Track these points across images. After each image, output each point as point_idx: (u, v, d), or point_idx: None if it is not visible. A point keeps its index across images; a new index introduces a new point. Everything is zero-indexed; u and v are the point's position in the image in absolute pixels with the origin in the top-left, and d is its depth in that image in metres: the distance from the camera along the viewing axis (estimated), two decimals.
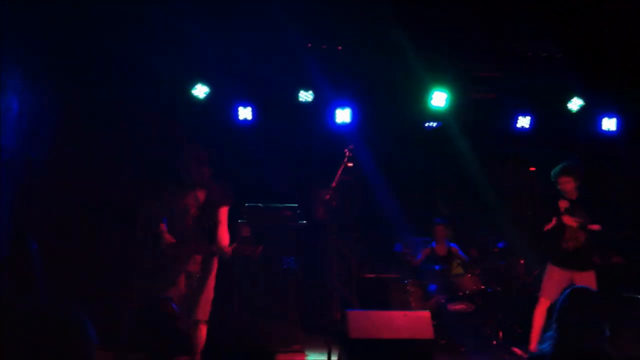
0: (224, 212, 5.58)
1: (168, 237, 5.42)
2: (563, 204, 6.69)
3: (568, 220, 6.64)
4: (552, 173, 6.86)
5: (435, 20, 7.88)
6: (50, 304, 2.61)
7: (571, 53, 8.24)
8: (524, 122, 9.00)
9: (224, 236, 5.51)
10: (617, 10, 7.45)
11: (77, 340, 2.35)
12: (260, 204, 7.54)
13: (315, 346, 7.10)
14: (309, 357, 7.03)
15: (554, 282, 6.65)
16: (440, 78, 8.54)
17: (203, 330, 5.40)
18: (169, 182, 5.66)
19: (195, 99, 8.34)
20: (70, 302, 2.58)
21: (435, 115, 8.91)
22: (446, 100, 8.58)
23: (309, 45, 8.47)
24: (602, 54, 8.18)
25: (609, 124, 9.10)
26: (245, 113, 8.59)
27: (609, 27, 7.71)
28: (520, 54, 8.47)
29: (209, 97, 8.41)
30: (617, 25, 7.66)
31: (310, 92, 8.54)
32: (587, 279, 6.48)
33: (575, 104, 8.89)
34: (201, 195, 5.58)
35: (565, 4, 7.50)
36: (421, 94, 8.62)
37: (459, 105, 8.64)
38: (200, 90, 8.37)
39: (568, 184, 6.72)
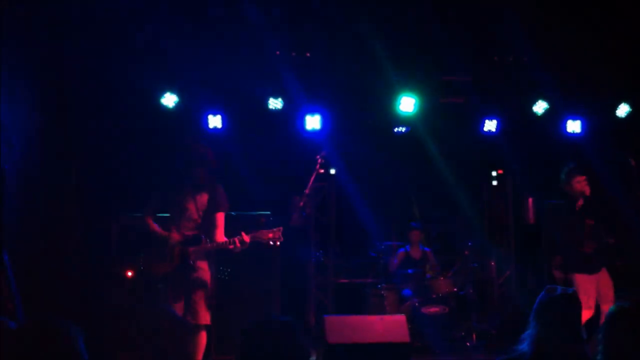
0: (221, 217, 5.58)
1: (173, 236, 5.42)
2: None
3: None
4: (562, 176, 6.90)
5: (403, 26, 7.96)
6: (33, 320, 2.58)
7: (537, 56, 8.39)
8: (491, 125, 9.13)
9: (221, 237, 5.50)
10: (581, 15, 7.63)
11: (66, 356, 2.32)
12: (232, 212, 7.51)
13: None
14: None
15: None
16: (409, 83, 8.61)
17: (204, 336, 5.47)
18: (165, 186, 5.70)
19: (164, 108, 8.29)
20: (56, 317, 2.55)
21: (404, 120, 8.98)
22: (414, 105, 8.66)
23: (277, 52, 8.48)
24: (567, 56, 8.36)
25: (574, 126, 9.28)
26: (215, 121, 8.56)
27: (574, 31, 7.89)
28: (487, 58, 8.59)
29: (179, 106, 8.37)
30: (581, 29, 7.83)
31: (280, 99, 8.55)
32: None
33: (540, 106, 9.05)
34: (203, 198, 5.56)
35: (531, 8, 7.64)
36: (390, 100, 8.69)
37: (427, 110, 8.73)
38: (170, 99, 8.32)
39: (580, 184, 6.75)
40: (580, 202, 6.75)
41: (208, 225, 5.54)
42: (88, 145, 7.75)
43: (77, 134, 7.64)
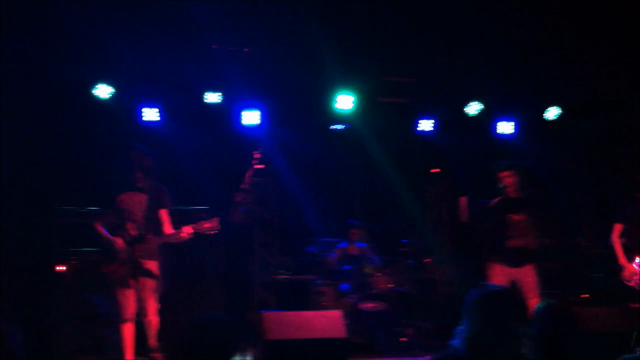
0: (165, 213, 5.97)
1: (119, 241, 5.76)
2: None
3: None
4: (494, 169, 6.97)
5: (344, 24, 7.99)
6: None
7: (474, 58, 8.56)
8: (428, 125, 9.29)
9: (169, 230, 5.88)
10: (516, 18, 7.82)
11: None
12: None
13: None
14: None
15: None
16: (348, 81, 8.66)
17: (154, 329, 5.79)
18: (114, 185, 6.00)
19: (98, 99, 8.09)
20: None
21: (343, 118, 9.03)
22: (353, 103, 8.71)
23: (215, 46, 8.39)
24: (501, 59, 8.56)
25: (505, 127, 9.53)
26: (150, 114, 8.41)
27: (509, 35, 8.08)
28: (426, 59, 8.71)
29: (113, 97, 8.17)
30: (516, 32, 8.03)
31: (219, 93, 8.46)
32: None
33: (474, 107, 9.25)
34: (142, 199, 5.91)
35: (468, 12, 7.78)
36: (329, 97, 8.72)
37: (366, 108, 8.80)
38: (103, 90, 8.12)
39: (508, 178, 6.80)
40: (506, 196, 6.80)
41: (154, 223, 5.89)
42: (19, 137, 7.49)
43: (6, 126, 7.36)
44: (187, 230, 5.68)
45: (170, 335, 5.89)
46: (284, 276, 8.40)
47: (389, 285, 7.95)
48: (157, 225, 5.91)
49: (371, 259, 8.46)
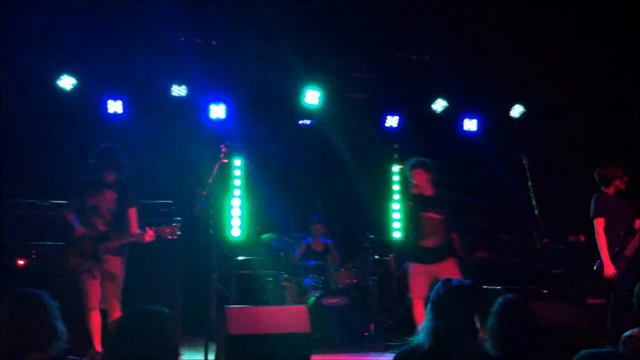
0: (133, 212, 6.10)
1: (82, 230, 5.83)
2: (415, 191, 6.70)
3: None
4: (405, 166, 6.92)
5: (311, 20, 7.99)
6: None
7: (439, 56, 8.63)
8: (392, 121, 9.34)
9: (135, 230, 6.04)
10: (481, 16, 7.92)
11: None
12: None
13: (192, 345, 6.97)
14: (183, 357, 6.89)
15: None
16: (316, 77, 8.67)
17: (116, 315, 5.90)
18: (81, 181, 6.05)
19: (61, 91, 7.95)
20: None
21: (309, 113, 9.03)
22: (319, 98, 8.72)
23: (182, 39, 8.31)
24: (466, 57, 8.65)
25: (470, 124, 9.64)
26: (115, 106, 8.31)
27: (475, 33, 8.17)
28: (392, 55, 8.76)
29: (77, 89, 8.05)
30: (479, 29, 8.12)
31: (184, 86, 8.39)
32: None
33: (439, 104, 9.33)
34: (111, 196, 6.01)
35: (435, 9, 7.86)
36: (296, 92, 8.71)
37: (333, 104, 8.81)
38: (67, 82, 8.00)
39: (418, 175, 6.72)
40: (420, 194, 6.71)
41: (122, 221, 6.03)
42: None
43: None
44: (150, 234, 5.91)
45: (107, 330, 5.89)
46: (245, 271, 8.36)
47: (351, 281, 7.99)
48: (124, 223, 6.03)
49: (334, 254, 8.50)
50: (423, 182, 6.73)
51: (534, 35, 8.26)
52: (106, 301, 5.92)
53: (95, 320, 5.87)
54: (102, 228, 5.96)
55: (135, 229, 6.04)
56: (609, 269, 6.60)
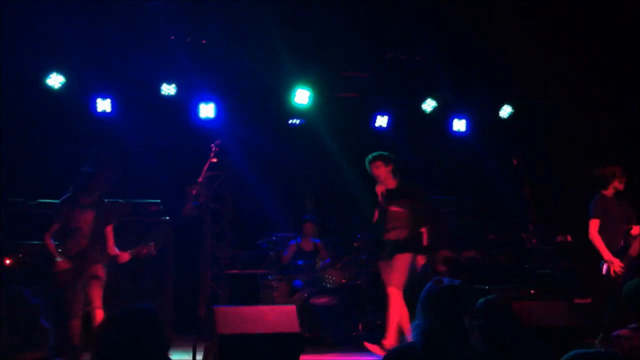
0: (110, 230, 6.13)
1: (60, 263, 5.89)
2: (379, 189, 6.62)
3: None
4: (366, 164, 6.76)
5: (302, 20, 7.99)
6: None
7: (429, 56, 8.66)
8: (382, 121, 9.36)
9: (113, 250, 6.10)
10: (471, 18, 7.94)
11: None
12: (120, 200, 7.29)
13: (180, 345, 6.95)
14: (172, 356, 6.87)
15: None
16: (305, 76, 8.67)
17: (100, 317, 5.93)
18: (65, 202, 6.04)
19: (50, 89, 7.91)
20: None
21: (299, 113, 9.03)
22: (309, 98, 8.73)
23: (172, 37, 8.29)
24: (456, 57, 8.67)
25: (459, 124, 9.67)
26: (104, 105, 8.27)
27: (464, 33, 8.20)
28: (382, 55, 8.78)
29: (65, 87, 8.01)
30: (470, 29, 8.15)
31: (174, 85, 8.37)
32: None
33: (429, 105, 9.36)
34: (90, 215, 6.03)
35: (425, 10, 7.88)
36: (286, 91, 8.71)
37: (323, 103, 8.81)
38: (55, 80, 7.95)
39: (378, 169, 6.64)
40: (384, 187, 6.63)
41: (99, 239, 6.07)
42: None
43: None
44: (124, 257, 6.06)
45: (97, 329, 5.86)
46: (235, 270, 8.35)
47: (341, 280, 7.99)
48: (103, 240, 6.11)
49: (324, 254, 8.50)
50: (383, 174, 6.64)
51: (524, 35, 8.30)
52: (89, 304, 5.96)
53: (76, 329, 5.87)
54: (84, 246, 6.01)
55: (112, 248, 6.14)
56: (616, 265, 6.56)
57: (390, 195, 6.61)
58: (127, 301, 6.78)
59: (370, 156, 6.74)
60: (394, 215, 6.58)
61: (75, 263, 5.93)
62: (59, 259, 5.92)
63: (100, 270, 6.04)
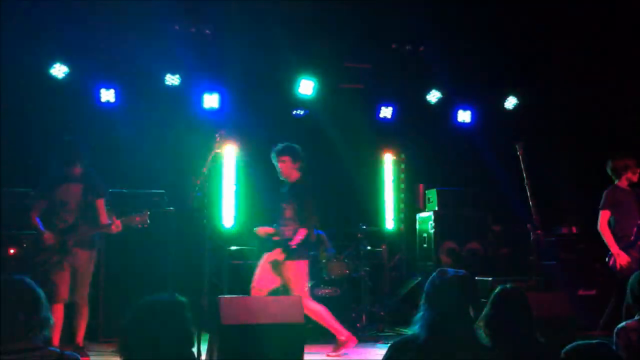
0: (101, 203, 6.09)
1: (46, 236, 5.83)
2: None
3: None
4: (272, 152, 6.56)
5: (306, 10, 7.95)
6: None
7: (433, 47, 8.62)
8: (386, 112, 9.34)
9: (104, 219, 6.04)
10: (476, 8, 7.91)
11: None
12: (124, 190, 7.29)
13: None
14: None
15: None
16: (309, 67, 8.64)
17: (85, 312, 6.02)
18: (46, 176, 6.05)
19: (54, 79, 7.90)
20: None
21: (303, 103, 9.01)
22: (314, 88, 8.71)
23: (177, 27, 8.26)
24: (460, 48, 8.64)
25: (464, 115, 9.65)
26: (107, 95, 8.29)
27: (469, 24, 8.16)
28: (386, 46, 8.74)
29: (69, 77, 8.01)
30: (476, 22, 8.12)
31: (178, 75, 8.36)
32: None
33: (434, 96, 9.34)
34: (77, 188, 5.98)
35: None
36: (290, 82, 8.68)
37: (327, 94, 8.79)
38: (59, 70, 7.95)
39: (283, 164, 6.47)
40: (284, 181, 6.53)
41: (91, 212, 6.03)
42: None
43: None
44: (117, 224, 5.90)
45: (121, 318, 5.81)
46: (237, 261, 8.33)
47: (344, 272, 7.98)
48: (93, 214, 6.04)
49: (327, 245, 8.48)
50: (287, 170, 6.48)
51: (531, 25, 8.27)
52: (73, 294, 5.91)
53: (58, 314, 5.74)
54: (70, 221, 5.94)
55: (104, 219, 6.05)
56: (622, 258, 6.48)
57: (286, 191, 6.47)
58: (128, 292, 6.81)
59: (279, 146, 6.47)
60: (282, 212, 6.44)
61: (62, 238, 5.85)
62: (46, 233, 5.83)
63: (86, 260, 5.94)
